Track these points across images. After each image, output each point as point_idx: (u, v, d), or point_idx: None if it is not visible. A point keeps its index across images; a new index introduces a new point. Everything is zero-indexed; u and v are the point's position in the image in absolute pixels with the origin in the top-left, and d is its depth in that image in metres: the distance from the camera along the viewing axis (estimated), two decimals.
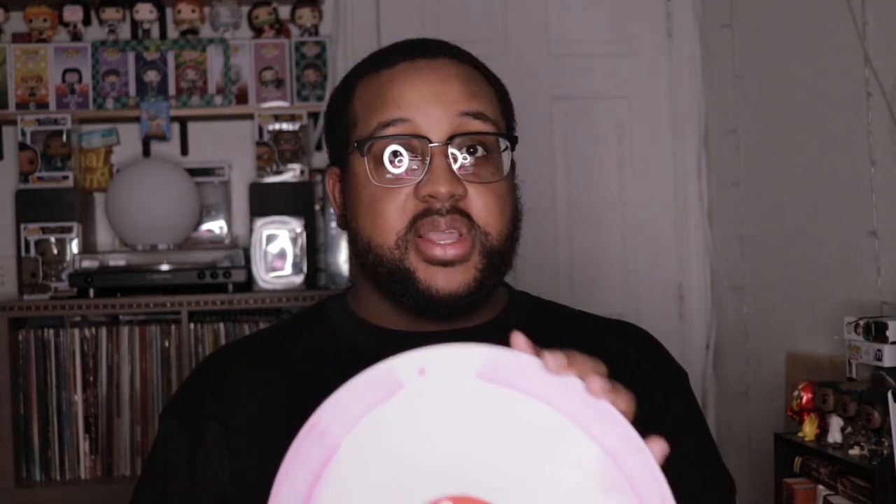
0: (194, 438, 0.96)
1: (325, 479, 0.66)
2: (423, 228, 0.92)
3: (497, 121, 0.96)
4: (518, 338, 0.67)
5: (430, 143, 0.92)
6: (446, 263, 0.92)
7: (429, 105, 0.93)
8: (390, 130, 0.93)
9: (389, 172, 0.93)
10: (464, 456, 0.66)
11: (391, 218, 0.93)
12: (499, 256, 0.94)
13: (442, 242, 0.92)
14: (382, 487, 0.66)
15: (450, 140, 0.92)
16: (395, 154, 0.93)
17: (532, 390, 0.66)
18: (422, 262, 0.92)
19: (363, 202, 0.95)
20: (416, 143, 0.93)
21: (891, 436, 1.50)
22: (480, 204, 0.93)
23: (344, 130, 0.98)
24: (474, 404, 0.66)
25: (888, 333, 1.63)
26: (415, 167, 0.93)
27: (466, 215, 0.92)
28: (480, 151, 0.94)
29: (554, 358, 0.66)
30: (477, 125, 0.94)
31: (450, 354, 0.66)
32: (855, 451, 1.59)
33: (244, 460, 0.94)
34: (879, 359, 1.63)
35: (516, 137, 0.98)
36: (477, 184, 0.93)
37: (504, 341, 0.95)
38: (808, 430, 1.71)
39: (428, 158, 0.92)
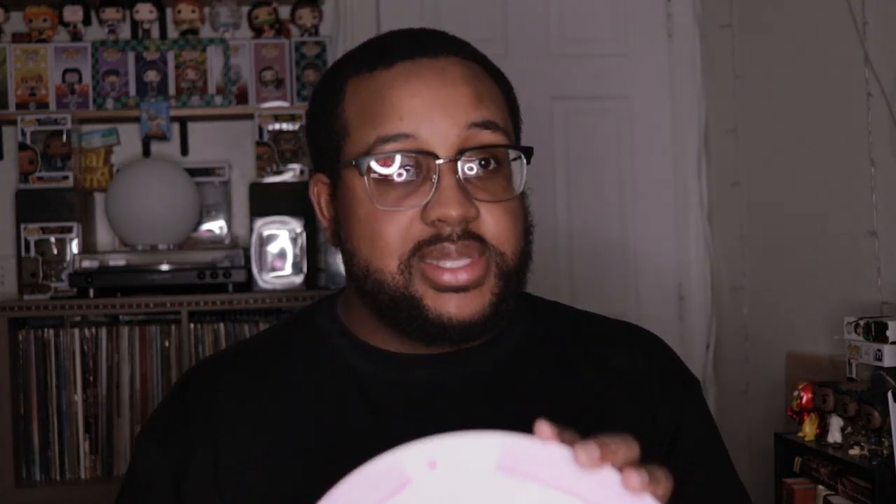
0: (179, 468, 0.88)
1: None
2: (430, 256, 0.83)
3: (506, 127, 0.87)
4: (543, 426, 0.59)
5: (438, 159, 0.83)
6: (458, 289, 0.83)
7: (434, 115, 0.83)
8: (392, 146, 0.83)
9: (385, 180, 0.84)
10: None
11: (393, 242, 0.84)
12: (514, 277, 0.86)
13: (451, 267, 0.83)
14: None
15: (459, 155, 0.83)
16: (392, 166, 0.84)
17: (562, 484, 0.57)
18: (430, 288, 0.84)
19: (360, 222, 0.86)
20: (421, 158, 0.84)
21: (891, 436, 1.50)
22: (492, 224, 0.84)
23: (334, 137, 0.88)
24: (494, 501, 0.57)
25: (888, 333, 1.63)
26: (411, 178, 0.84)
27: (478, 238, 0.84)
28: (491, 164, 0.85)
29: (586, 451, 0.58)
30: (487, 136, 0.85)
31: (464, 444, 0.58)
32: (855, 451, 1.59)
33: (235, 494, 0.87)
34: (879, 359, 1.63)
35: (531, 149, 0.88)
36: (489, 202, 0.84)
37: (512, 357, 0.92)
38: (808, 430, 1.71)
39: (435, 176, 0.83)
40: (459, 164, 0.83)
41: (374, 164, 0.84)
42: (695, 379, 0.99)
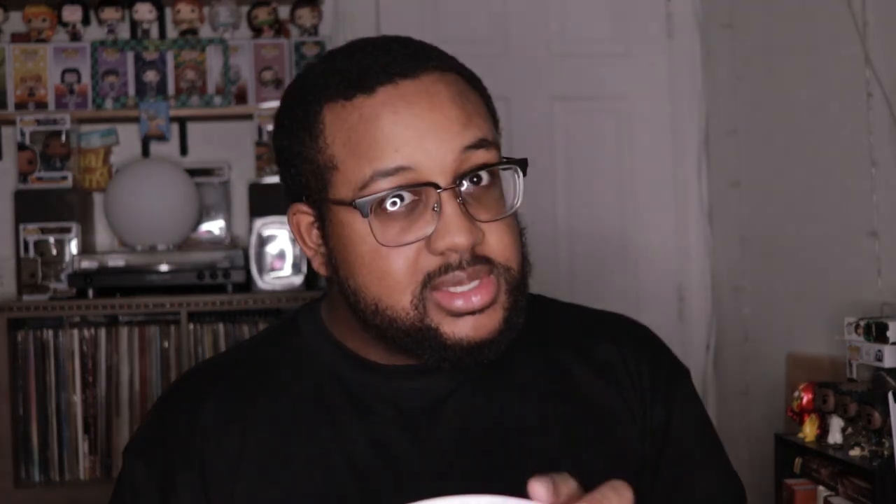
0: (167, 483, 0.88)
1: None
2: (442, 285, 0.82)
3: (495, 139, 0.86)
4: (537, 488, 0.57)
5: (438, 188, 0.81)
6: (473, 312, 0.83)
7: (427, 143, 0.81)
8: (390, 181, 0.81)
9: (393, 223, 0.82)
10: None
11: (403, 278, 0.82)
12: (521, 287, 0.86)
13: (462, 291, 0.82)
14: None
15: (457, 180, 0.82)
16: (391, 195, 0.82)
17: None
18: (445, 316, 0.83)
19: (363, 259, 0.84)
20: (421, 189, 0.82)
21: (891, 436, 1.50)
22: (496, 242, 0.84)
23: (318, 172, 0.85)
24: None
25: (888, 334, 1.62)
26: (412, 209, 0.83)
27: (486, 259, 0.83)
28: (484, 180, 0.84)
29: None
30: (481, 156, 0.83)
31: None
32: (855, 452, 1.59)
33: None
34: (880, 359, 1.63)
35: (526, 161, 0.87)
36: (490, 222, 0.84)
37: (501, 358, 0.90)
38: (809, 430, 1.71)
39: (437, 205, 0.81)
40: (458, 188, 0.82)
41: (374, 204, 0.82)
42: (684, 369, 0.99)
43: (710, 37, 2.69)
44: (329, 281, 0.90)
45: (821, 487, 1.65)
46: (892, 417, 1.49)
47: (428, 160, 0.81)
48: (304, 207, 0.89)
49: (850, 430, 1.64)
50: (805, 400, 1.73)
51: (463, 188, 0.83)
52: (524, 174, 0.87)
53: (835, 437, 1.67)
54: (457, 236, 0.81)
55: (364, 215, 0.82)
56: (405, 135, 0.81)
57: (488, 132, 0.86)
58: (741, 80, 2.52)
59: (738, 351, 2.56)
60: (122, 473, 0.93)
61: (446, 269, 0.82)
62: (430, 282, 0.82)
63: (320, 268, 0.90)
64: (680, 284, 2.79)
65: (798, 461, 1.71)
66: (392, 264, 0.82)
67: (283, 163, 0.90)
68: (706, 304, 2.75)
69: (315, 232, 0.89)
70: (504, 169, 0.87)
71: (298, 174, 0.87)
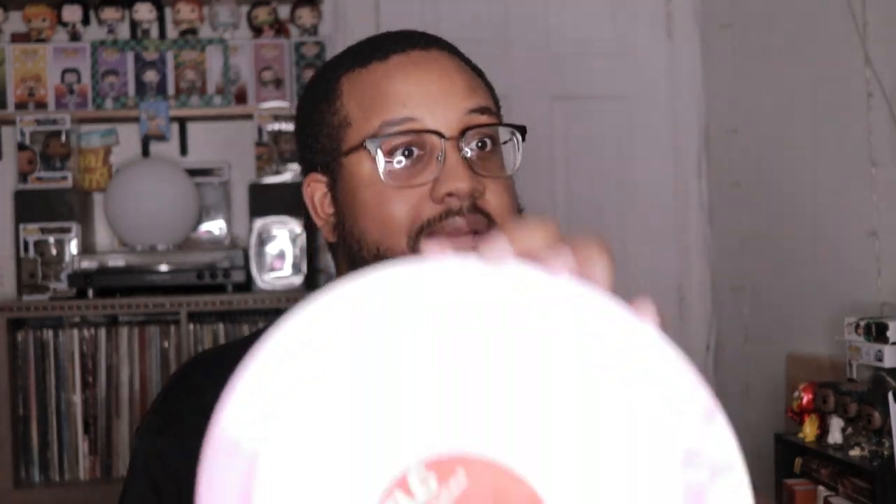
0: (180, 457, 0.87)
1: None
2: (440, 233, 0.85)
3: (498, 113, 0.92)
4: (432, 246, 0.48)
5: (443, 137, 0.86)
6: None
7: (434, 103, 0.87)
8: (396, 129, 0.87)
9: (399, 170, 0.86)
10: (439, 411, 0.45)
11: (402, 219, 0.86)
12: None
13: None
14: (335, 485, 0.44)
15: (461, 135, 0.87)
16: (398, 150, 0.86)
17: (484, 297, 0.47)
18: None
19: (368, 205, 0.88)
20: (426, 139, 0.87)
21: (891, 436, 1.50)
22: (496, 200, 0.87)
23: (333, 133, 0.91)
24: (426, 338, 0.46)
25: (888, 334, 1.62)
26: (417, 161, 0.86)
27: (486, 214, 0.87)
28: (487, 146, 0.89)
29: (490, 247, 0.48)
30: (484, 119, 0.89)
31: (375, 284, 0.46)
32: (855, 452, 1.59)
33: None
34: (880, 359, 1.63)
35: (525, 128, 0.92)
36: (491, 178, 0.88)
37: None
38: (809, 430, 1.71)
39: (441, 154, 0.86)
40: (462, 143, 0.87)
41: (382, 143, 0.87)
42: None
43: (710, 36, 2.69)
44: (333, 249, 0.94)
45: (821, 487, 1.65)
46: (892, 417, 1.49)
47: (433, 116, 0.87)
48: (318, 176, 0.93)
49: (850, 430, 1.64)
50: (805, 400, 1.73)
51: (467, 153, 0.87)
52: (523, 140, 0.91)
53: (835, 437, 1.67)
54: (459, 181, 0.84)
55: (371, 152, 0.86)
56: (413, 91, 0.88)
57: (492, 104, 0.91)
58: (741, 80, 2.52)
59: (738, 351, 2.56)
60: (135, 454, 0.94)
61: (446, 214, 0.85)
62: (427, 227, 0.85)
63: (329, 235, 0.94)
64: (680, 284, 2.80)
65: (798, 461, 1.71)
66: (394, 207, 0.86)
67: (301, 137, 0.96)
68: (706, 304, 2.75)
69: (327, 201, 0.93)
70: (504, 142, 0.91)
71: (315, 141, 0.93)
